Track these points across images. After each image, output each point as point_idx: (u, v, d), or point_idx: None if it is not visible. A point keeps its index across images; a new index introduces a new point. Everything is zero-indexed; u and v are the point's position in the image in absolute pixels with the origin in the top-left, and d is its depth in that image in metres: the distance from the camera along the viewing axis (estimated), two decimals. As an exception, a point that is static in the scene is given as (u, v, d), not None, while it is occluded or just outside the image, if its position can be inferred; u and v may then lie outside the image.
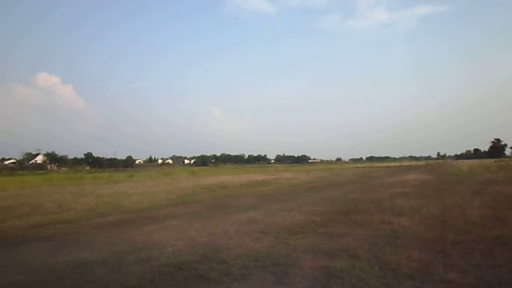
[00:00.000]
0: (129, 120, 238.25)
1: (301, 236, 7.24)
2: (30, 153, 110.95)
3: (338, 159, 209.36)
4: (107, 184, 29.62)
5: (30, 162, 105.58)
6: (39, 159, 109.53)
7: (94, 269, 5.36)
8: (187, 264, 5.39)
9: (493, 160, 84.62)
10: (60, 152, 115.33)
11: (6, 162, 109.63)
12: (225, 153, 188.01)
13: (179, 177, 41.50)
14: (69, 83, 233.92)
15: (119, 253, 6.33)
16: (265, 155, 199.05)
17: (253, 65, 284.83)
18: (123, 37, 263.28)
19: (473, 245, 6.16)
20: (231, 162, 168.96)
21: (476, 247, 6.02)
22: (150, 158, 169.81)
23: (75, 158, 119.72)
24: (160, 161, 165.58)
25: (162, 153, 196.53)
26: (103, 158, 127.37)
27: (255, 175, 41.60)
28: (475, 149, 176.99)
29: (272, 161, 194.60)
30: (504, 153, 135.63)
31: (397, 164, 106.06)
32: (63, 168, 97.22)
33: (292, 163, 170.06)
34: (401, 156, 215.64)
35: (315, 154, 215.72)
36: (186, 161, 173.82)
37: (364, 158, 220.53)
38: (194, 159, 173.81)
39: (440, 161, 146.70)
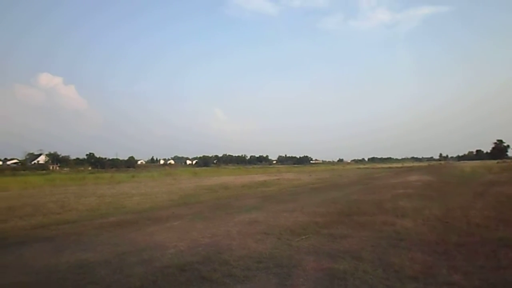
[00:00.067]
0: (131, 121, 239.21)
1: (304, 237, 7.21)
2: (32, 154, 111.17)
3: (340, 160, 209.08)
4: (109, 184, 29.63)
5: (33, 163, 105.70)
6: (41, 159, 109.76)
7: (96, 270, 5.35)
8: (189, 265, 5.38)
9: (495, 161, 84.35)
10: (62, 153, 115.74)
11: (8, 163, 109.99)
12: (227, 154, 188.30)
13: (181, 177, 41.52)
14: (71, 84, 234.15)
15: (121, 254, 6.32)
16: (267, 156, 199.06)
17: (255, 65, 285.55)
18: (125, 37, 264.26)
19: (477, 247, 6.12)
20: (233, 163, 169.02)
21: (479, 249, 5.98)
22: (152, 159, 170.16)
23: (77, 159, 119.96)
24: (162, 162, 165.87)
25: (164, 154, 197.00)
26: (105, 158, 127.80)
27: (257, 176, 41.56)
28: (477, 150, 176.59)
29: (274, 162, 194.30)
30: (507, 154, 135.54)
31: (399, 165, 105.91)
32: (65, 169, 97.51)
33: (294, 164, 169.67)
34: (403, 157, 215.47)
35: (317, 155, 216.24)
36: (188, 162, 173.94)
37: (366, 159, 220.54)
38: (196, 160, 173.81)
39: (442, 162, 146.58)
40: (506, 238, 6.60)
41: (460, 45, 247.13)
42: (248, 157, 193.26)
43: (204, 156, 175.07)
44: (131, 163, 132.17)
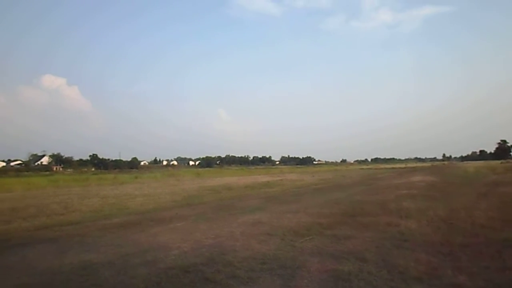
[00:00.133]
0: (134, 122, 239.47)
1: (308, 238, 7.19)
2: (36, 155, 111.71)
3: (343, 161, 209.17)
4: (112, 185, 29.71)
5: (36, 164, 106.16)
6: (45, 160, 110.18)
7: (100, 271, 5.34)
8: (193, 267, 5.36)
9: (499, 161, 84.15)
10: (65, 154, 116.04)
11: (12, 164, 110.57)
12: (230, 155, 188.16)
13: (184, 178, 41.57)
14: (74, 84, 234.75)
15: (125, 255, 6.31)
16: (270, 157, 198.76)
17: (257, 66, 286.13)
18: (128, 37, 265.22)
19: (482, 247, 6.09)
20: (236, 164, 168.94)
21: (484, 249, 5.95)
22: (155, 160, 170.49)
23: (81, 160, 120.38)
24: (165, 163, 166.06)
25: (167, 155, 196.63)
26: (108, 159, 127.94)
27: (260, 177, 41.55)
28: (481, 151, 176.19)
29: (277, 162, 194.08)
30: (510, 155, 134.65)
31: (402, 165, 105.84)
32: (69, 170, 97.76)
33: (297, 164, 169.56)
34: (406, 157, 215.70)
35: (320, 155, 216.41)
36: (191, 163, 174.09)
37: (369, 160, 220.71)
38: (199, 161, 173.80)
39: (445, 162, 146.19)
40: (511, 239, 6.57)
41: (462, 45, 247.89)
42: (251, 158, 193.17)
43: (207, 157, 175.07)
44: (134, 164, 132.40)
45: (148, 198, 17.50)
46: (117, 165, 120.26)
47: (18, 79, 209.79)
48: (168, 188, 24.29)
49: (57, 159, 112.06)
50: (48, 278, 5.19)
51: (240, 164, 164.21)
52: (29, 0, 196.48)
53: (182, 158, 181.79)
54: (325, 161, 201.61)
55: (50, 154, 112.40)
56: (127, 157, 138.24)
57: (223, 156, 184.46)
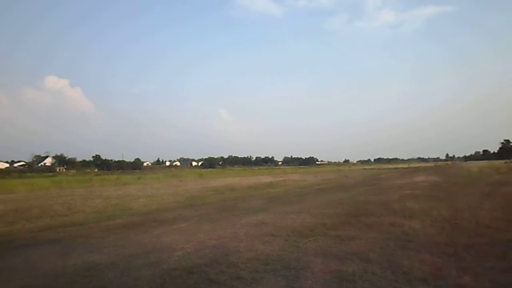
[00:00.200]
0: (137, 123, 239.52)
1: (311, 239, 7.17)
2: (39, 156, 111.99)
3: (346, 161, 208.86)
4: (115, 186, 29.76)
5: (39, 165, 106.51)
6: (48, 161, 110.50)
7: (103, 273, 5.34)
8: (197, 268, 5.35)
9: (503, 161, 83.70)
10: (68, 155, 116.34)
11: (15, 165, 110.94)
12: (233, 155, 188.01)
13: (187, 179, 41.57)
14: (77, 86, 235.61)
15: (129, 256, 6.30)
16: (273, 157, 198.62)
17: (259, 66, 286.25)
18: (130, 38, 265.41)
19: (486, 248, 6.06)
20: (239, 164, 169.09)
21: (489, 250, 5.92)
22: (158, 161, 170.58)
23: (84, 161, 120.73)
24: (167, 164, 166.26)
25: (169, 156, 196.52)
26: (111, 160, 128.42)
27: (262, 177, 41.53)
28: (484, 151, 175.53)
29: (280, 163, 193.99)
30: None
31: (406, 165, 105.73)
32: (72, 171, 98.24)
33: (300, 165, 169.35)
34: (409, 157, 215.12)
35: (322, 155, 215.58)
36: (194, 163, 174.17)
37: (372, 160, 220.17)
38: (202, 161, 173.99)
39: (449, 162, 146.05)
40: (516, 239, 6.54)
41: (464, 44, 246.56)
42: (254, 158, 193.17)
43: (209, 157, 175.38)
44: (137, 165, 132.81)
45: (151, 199, 17.51)
46: (120, 166, 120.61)
47: (21, 81, 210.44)
48: (171, 189, 24.31)
49: (60, 160, 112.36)
50: (51, 280, 5.19)
51: (243, 165, 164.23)
52: (32, 0, 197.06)
53: (184, 158, 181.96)
54: (328, 162, 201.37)
55: (53, 155, 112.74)
56: (130, 158, 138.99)
57: (225, 156, 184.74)
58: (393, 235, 7.32)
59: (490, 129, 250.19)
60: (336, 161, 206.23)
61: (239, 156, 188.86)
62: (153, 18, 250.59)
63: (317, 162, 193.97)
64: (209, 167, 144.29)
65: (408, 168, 77.59)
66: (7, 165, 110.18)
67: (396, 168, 76.27)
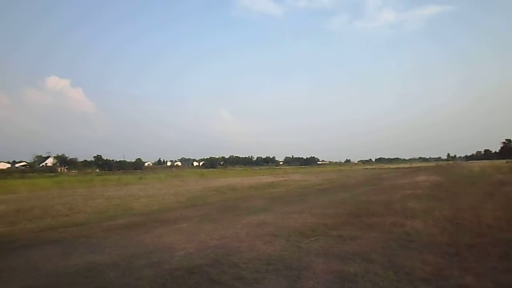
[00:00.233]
0: (138, 123, 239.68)
1: (313, 239, 7.16)
2: (40, 156, 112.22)
3: (347, 161, 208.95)
4: (116, 186, 29.78)
5: (41, 165, 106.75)
6: (50, 162, 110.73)
7: (105, 273, 5.34)
8: (198, 268, 5.34)
9: (504, 161, 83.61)
10: (70, 155, 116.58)
11: (17, 165, 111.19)
12: (234, 155, 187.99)
13: (188, 179, 41.59)
14: (78, 86, 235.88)
15: (130, 256, 6.30)
16: (274, 157, 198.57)
17: (260, 66, 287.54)
18: (132, 38, 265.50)
19: (489, 248, 6.03)
20: (240, 164, 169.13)
21: (491, 250, 5.89)
22: (159, 161, 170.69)
23: (85, 161, 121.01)
24: (169, 164, 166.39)
25: (170, 156, 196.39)
26: (113, 160, 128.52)
27: (264, 177, 41.51)
28: (485, 150, 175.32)
29: (281, 163, 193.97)
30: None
31: (407, 165, 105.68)
32: (73, 171, 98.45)
33: (301, 165, 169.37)
34: (410, 157, 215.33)
35: (324, 155, 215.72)
36: (195, 163, 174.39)
37: (373, 160, 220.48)
38: (203, 161, 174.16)
39: (450, 162, 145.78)
40: (518, 239, 6.51)
41: (466, 43, 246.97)
42: (255, 158, 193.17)
43: (210, 157, 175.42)
44: (138, 165, 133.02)
45: (152, 199, 17.52)
46: (121, 166, 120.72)
47: (23, 81, 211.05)
48: (172, 189, 24.31)
49: (62, 160, 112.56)
50: (53, 280, 5.19)
51: (244, 165, 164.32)
52: (32, 1, 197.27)
53: (186, 159, 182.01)
54: (329, 161, 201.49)
55: (55, 155, 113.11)
56: (131, 158, 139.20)
57: (227, 156, 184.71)
58: (395, 235, 7.30)
59: (491, 129, 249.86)
60: (337, 161, 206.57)
61: (240, 156, 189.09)
62: (153, 18, 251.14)
63: (318, 162, 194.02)
64: (210, 167, 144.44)
65: (409, 168, 77.48)
66: (9, 165, 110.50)
67: (397, 168, 76.22)
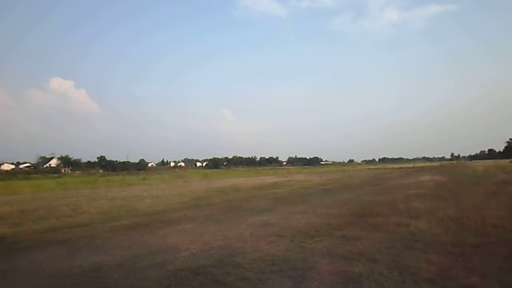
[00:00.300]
0: (141, 124, 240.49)
1: (317, 239, 7.15)
2: (44, 157, 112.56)
3: (351, 161, 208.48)
4: (120, 187, 29.84)
5: (45, 166, 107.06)
6: (53, 162, 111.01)
7: (109, 274, 5.34)
8: (202, 269, 5.34)
9: (508, 160, 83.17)
10: (73, 156, 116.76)
11: (21, 166, 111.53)
12: (237, 156, 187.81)
13: (192, 180, 41.64)
14: (82, 87, 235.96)
15: (134, 257, 6.31)
16: (277, 157, 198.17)
17: (263, 66, 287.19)
18: (134, 39, 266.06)
19: (494, 248, 6.00)
20: (243, 165, 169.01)
21: (496, 250, 5.87)
22: (163, 161, 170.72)
23: (89, 162, 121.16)
24: (172, 164, 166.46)
25: (174, 156, 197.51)
26: (116, 161, 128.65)
27: (267, 178, 41.52)
28: (489, 150, 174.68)
29: (284, 163, 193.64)
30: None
31: (410, 165, 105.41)
32: (77, 172, 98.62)
33: (304, 165, 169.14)
34: (414, 157, 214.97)
35: (327, 155, 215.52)
36: (198, 164, 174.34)
37: (377, 160, 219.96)
38: (206, 162, 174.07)
39: (454, 162, 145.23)
40: (524, 239, 6.48)
41: (468, 42, 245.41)
42: (258, 158, 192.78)
43: (214, 158, 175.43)
44: (141, 165, 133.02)
45: (156, 199, 17.54)
46: (125, 167, 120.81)
47: (27, 82, 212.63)
48: (176, 190, 24.34)
49: (66, 161, 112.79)
50: (57, 281, 5.20)
51: (247, 165, 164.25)
52: (34, 1, 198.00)
53: (189, 159, 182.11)
54: (333, 161, 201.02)
55: (59, 156, 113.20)
56: (134, 159, 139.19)
57: (230, 157, 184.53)
58: (400, 235, 7.28)
59: (495, 128, 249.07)
60: (341, 161, 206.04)
61: (244, 157, 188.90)
62: (154, 18, 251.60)
63: (321, 162, 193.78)
64: (214, 168, 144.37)
65: (413, 167, 77.31)
66: (13, 166, 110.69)
67: (401, 168, 76.05)
